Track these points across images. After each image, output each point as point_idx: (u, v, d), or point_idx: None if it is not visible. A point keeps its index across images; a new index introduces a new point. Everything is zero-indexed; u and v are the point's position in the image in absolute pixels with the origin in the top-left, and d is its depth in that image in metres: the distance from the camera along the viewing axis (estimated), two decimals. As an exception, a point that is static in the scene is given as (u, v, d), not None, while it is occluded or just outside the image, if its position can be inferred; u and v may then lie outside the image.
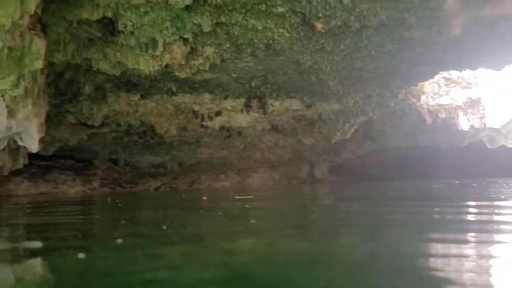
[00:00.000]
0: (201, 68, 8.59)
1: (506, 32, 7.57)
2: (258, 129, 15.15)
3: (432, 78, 11.35)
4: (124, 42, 7.02)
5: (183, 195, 10.57)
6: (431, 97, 13.54)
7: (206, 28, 6.75)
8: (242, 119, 13.91)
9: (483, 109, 13.67)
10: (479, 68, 10.21)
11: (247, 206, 5.50)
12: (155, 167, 16.89)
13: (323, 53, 8.50)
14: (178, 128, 13.04)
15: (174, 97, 11.13)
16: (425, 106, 13.47)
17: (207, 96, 11.47)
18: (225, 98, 11.85)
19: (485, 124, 13.88)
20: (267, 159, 18.17)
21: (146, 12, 6.25)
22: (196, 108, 12.26)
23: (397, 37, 7.97)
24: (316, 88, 11.20)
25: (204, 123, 13.38)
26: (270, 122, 14.70)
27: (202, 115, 12.81)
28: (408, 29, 7.45)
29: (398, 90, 11.62)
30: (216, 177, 18.34)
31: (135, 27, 6.51)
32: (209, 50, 7.86)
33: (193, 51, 7.86)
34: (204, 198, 7.87)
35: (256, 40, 7.79)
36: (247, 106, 12.78)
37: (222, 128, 14.26)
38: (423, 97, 13.24)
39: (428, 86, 13.07)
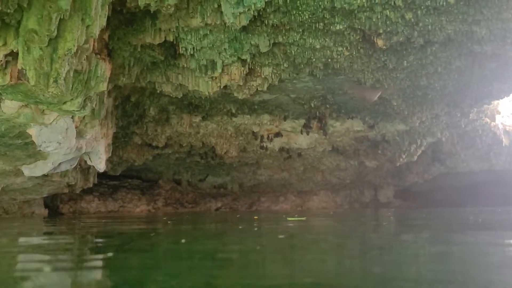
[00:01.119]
0: (259, 89, 8.63)
1: None
2: (318, 150, 14.90)
3: (507, 96, 10.50)
4: (185, 65, 7.25)
5: (237, 215, 10.60)
6: (508, 116, 12.52)
7: (264, 48, 6.79)
8: (302, 140, 13.76)
9: None
10: None
11: (291, 225, 5.34)
12: (216, 187, 17.16)
13: (385, 71, 8.20)
14: (238, 149, 13.17)
15: (234, 118, 11.29)
16: (500, 126, 12.48)
17: (266, 117, 11.51)
18: (284, 119, 11.81)
19: None
20: (328, 181, 17.75)
21: (205, 35, 6.42)
22: (255, 129, 12.34)
23: (466, 52, 7.49)
24: (379, 108, 10.82)
25: (264, 144, 13.41)
26: (331, 144, 14.40)
27: (262, 136, 12.86)
28: (479, 43, 6.97)
29: (469, 109, 10.89)
30: (276, 199, 18.22)
31: (195, 49, 6.71)
32: (267, 71, 7.88)
33: (251, 72, 7.94)
34: (255, 217, 7.79)
35: (314, 59, 7.69)
36: (307, 127, 12.64)
37: (281, 149, 14.20)
38: (498, 117, 12.28)
39: (505, 105, 12.12)
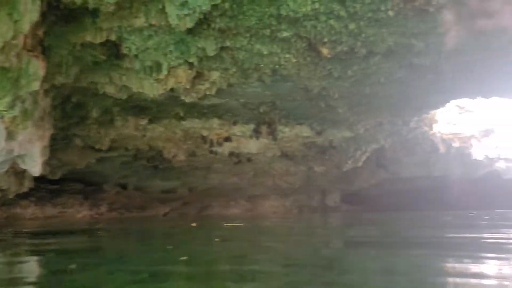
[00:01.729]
0: (207, 92, 8.55)
1: (520, 59, 7.36)
2: (268, 155, 14.98)
3: (443, 106, 11.09)
4: (129, 66, 7.03)
5: (172, 222, 10.21)
6: (445, 126, 13.24)
7: (211, 52, 6.72)
8: (252, 145, 13.78)
9: (498, 139, 13.28)
10: (493, 97, 9.94)
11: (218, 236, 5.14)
12: (165, 192, 16.78)
13: (331, 79, 8.38)
14: (187, 153, 12.97)
15: (183, 122, 11.10)
16: (438, 134, 13.16)
17: (215, 121, 11.41)
18: (234, 123, 11.77)
19: (499, 154, 13.45)
20: (278, 186, 17.89)
21: (150, 36, 6.26)
22: (205, 133, 12.20)
23: (407, 64, 7.81)
24: (326, 115, 11.05)
25: (213, 149, 13.29)
26: (280, 149, 14.53)
27: (211, 140, 12.74)
28: (417, 55, 7.30)
29: (410, 118, 11.41)
30: (227, 204, 18.10)
31: (139, 50, 6.52)
32: (215, 75, 7.82)
33: (199, 76, 7.83)
34: (194, 224, 7.63)
35: (262, 65, 7.73)
36: (257, 132, 12.67)
37: (231, 154, 14.14)
38: (436, 126, 12.95)
39: (441, 114, 12.80)
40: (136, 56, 6.69)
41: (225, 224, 6.59)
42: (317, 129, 12.34)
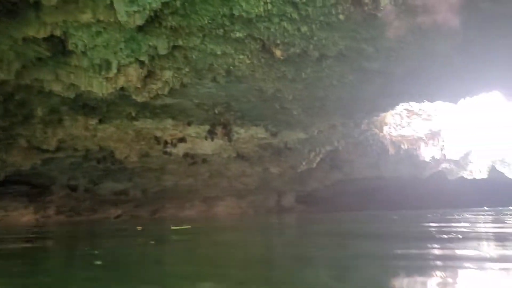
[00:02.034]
0: (160, 92, 8.38)
1: (461, 66, 7.76)
2: (223, 156, 14.93)
3: (393, 109, 11.52)
4: (76, 63, 6.75)
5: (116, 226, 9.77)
6: (394, 128, 13.74)
7: (162, 50, 6.58)
8: (207, 146, 13.67)
9: (443, 141, 13.95)
10: (437, 101, 10.42)
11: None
12: (117, 194, 16.29)
13: (285, 81, 8.46)
14: (139, 154, 12.66)
15: (135, 122, 10.82)
16: (388, 137, 13.63)
17: (169, 122, 11.22)
18: (189, 124, 11.62)
19: (445, 155, 14.14)
20: (234, 187, 17.86)
21: (99, 32, 6.04)
22: (158, 134, 11.96)
23: (357, 68, 8.02)
24: (281, 117, 11.15)
25: (167, 150, 13.06)
26: (236, 150, 14.51)
27: (165, 141, 12.50)
28: (367, 59, 7.52)
29: (361, 120, 11.74)
30: (181, 206, 17.82)
31: (87, 47, 6.28)
32: (167, 74, 7.68)
33: (150, 75, 7.66)
34: (139, 228, 7.39)
35: (216, 66, 7.67)
36: (212, 133, 12.57)
37: (186, 155, 13.96)
38: (385, 128, 13.41)
39: (391, 117, 13.27)
40: (84, 53, 6.44)
41: (172, 227, 6.43)
42: (272, 130, 12.43)
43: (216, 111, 10.65)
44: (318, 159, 14.40)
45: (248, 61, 7.58)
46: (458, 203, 17.81)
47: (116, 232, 6.98)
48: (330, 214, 15.81)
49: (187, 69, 7.63)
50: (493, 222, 7.27)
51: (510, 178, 15.93)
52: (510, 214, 9.59)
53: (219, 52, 7.05)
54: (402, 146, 14.46)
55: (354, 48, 7.02)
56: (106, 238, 6.01)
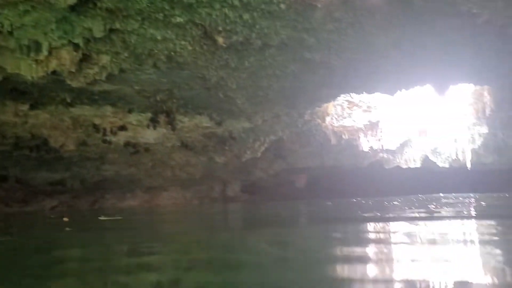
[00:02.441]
0: (97, 77, 8.00)
1: (397, 60, 8.09)
2: (167, 145, 14.62)
3: (334, 100, 11.83)
4: (2, 44, 6.26)
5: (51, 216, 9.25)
6: (335, 118, 14.13)
7: (98, 33, 6.26)
8: (149, 135, 13.31)
9: (381, 132, 14.57)
10: (376, 93, 10.83)
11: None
12: (52, 184, 15.46)
13: (228, 69, 8.38)
14: (77, 143, 12.07)
15: (71, 109, 10.28)
16: (330, 127, 14.00)
17: (108, 109, 10.77)
18: (129, 111, 11.22)
19: (382, 145, 14.78)
20: (178, 177, 17.58)
21: (27, 11, 5.62)
22: (97, 121, 11.45)
23: (300, 58, 8.11)
24: (225, 105, 11.07)
25: (107, 138, 12.55)
26: (180, 139, 14.26)
27: (104, 129, 12.00)
28: (309, 50, 7.61)
29: (304, 110, 11.93)
30: (122, 196, 17.29)
31: (14, 27, 5.82)
32: (104, 59, 7.33)
33: (86, 59, 7.28)
34: (65, 219, 7.03)
35: (156, 51, 7.43)
36: (154, 122, 12.25)
37: (127, 143, 13.51)
38: (328, 119, 13.76)
39: (332, 108, 13.63)
40: (10, 33, 5.97)
41: (100, 218, 6.17)
42: (216, 119, 12.33)
43: (158, 99, 10.36)
44: (262, 148, 14.50)
45: (190, 48, 7.41)
46: (394, 191, 18.79)
47: (35, 222, 6.57)
48: (274, 203, 16.07)
49: (125, 54, 7.32)
50: (418, 207, 7.73)
51: (441, 167, 16.98)
52: (436, 200, 10.24)
53: (159, 37, 6.83)
54: (343, 137, 14.93)
55: (296, 38, 7.08)
56: (19, 227, 5.66)
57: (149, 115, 11.71)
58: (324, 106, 12.69)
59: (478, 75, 9.70)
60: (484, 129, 14.30)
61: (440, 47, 7.39)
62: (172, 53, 7.57)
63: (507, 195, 12.38)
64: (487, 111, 12.71)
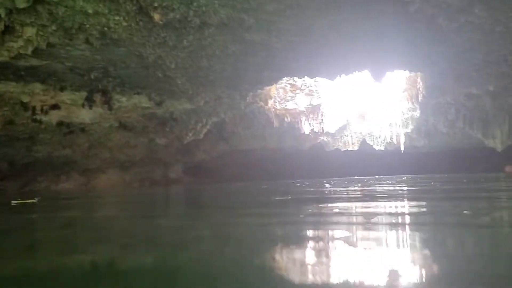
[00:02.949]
0: (22, 52, 7.42)
1: (335, 44, 8.22)
2: (104, 126, 14.02)
3: (276, 83, 11.87)
4: None
5: None
6: (278, 101, 14.23)
7: (21, 3, 5.77)
8: (85, 115, 12.67)
9: (322, 115, 14.90)
10: (316, 77, 11.00)
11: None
12: (-23, 166, 14.38)
13: (166, 47, 8.09)
14: (3, 122, 11.23)
15: (-5, 85, 9.50)
16: (272, 110, 14.09)
17: (38, 86, 10.08)
18: (61, 89, 10.57)
19: (323, 128, 15.15)
20: (116, 159, 16.99)
21: None
22: (25, 99, 10.69)
23: (240, 39, 8.01)
24: (164, 85, 10.75)
25: (37, 117, 11.79)
26: (118, 119, 13.73)
27: (34, 108, 11.25)
28: (248, 30, 7.52)
29: (247, 92, 11.88)
30: (57, 178, 16.47)
31: None
32: (30, 31, 6.79)
33: (9, 31, 6.71)
34: None
35: (88, 26, 7.00)
36: (90, 101, 11.65)
37: (60, 123, 12.78)
38: (270, 101, 13.83)
39: (275, 91, 13.70)
40: None
41: (13, 202, 5.77)
42: (156, 99, 11.96)
43: (93, 77, 9.84)
44: (204, 130, 14.33)
45: (125, 23, 7.05)
46: (334, 173, 19.46)
47: None
48: (218, 184, 16.05)
49: (53, 27, 6.82)
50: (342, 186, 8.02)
51: (377, 150, 17.77)
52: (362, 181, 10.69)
53: (90, 11, 6.42)
54: (286, 119, 15.11)
55: (235, 18, 6.96)
56: None
57: (84, 94, 11.12)
58: (267, 89, 12.73)
59: (411, 62, 10.13)
60: (417, 114, 15.07)
61: (376, 33, 7.59)
62: (106, 28, 7.17)
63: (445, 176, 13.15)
64: (420, 97, 13.38)
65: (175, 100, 12.10)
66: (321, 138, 16.77)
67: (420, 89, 13.14)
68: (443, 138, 16.13)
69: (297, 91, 14.76)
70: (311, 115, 15.27)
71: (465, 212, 3.09)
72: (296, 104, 14.67)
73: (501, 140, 13.63)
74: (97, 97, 11.47)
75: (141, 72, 9.69)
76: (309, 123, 15.31)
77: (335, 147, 16.98)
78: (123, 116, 13.47)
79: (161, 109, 12.97)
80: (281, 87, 13.93)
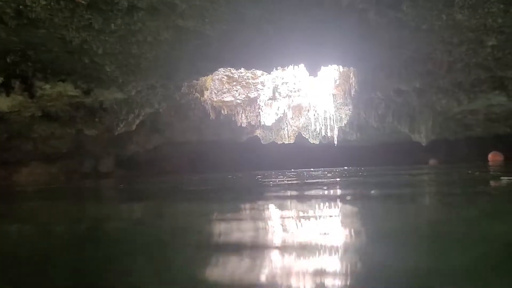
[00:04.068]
0: None
1: (271, 35, 8.14)
2: (25, 115, 12.95)
3: (212, 73, 11.62)
4: None
5: None
6: (215, 93, 13.99)
7: None
8: (2, 103, 11.59)
9: (259, 108, 14.89)
10: (253, 69, 10.89)
11: None
12: None
13: (92, 31, 7.54)
14: None
15: None
16: (209, 101, 13.82)
17: None
18: (-28, 74, 9.54)
19: (260, 121, 15.14)
20: (41, 151, 15.83)
21: None
22: None
23: (173, 26, 7.67)
24: (92, 72, 10.08)
25: None
26: (41, 108, 12.73)
27: None
28: (181, 17, 7.22)
29: (181, 82, 11.52)
30: (-30, 173, 15.01)
31: None
32: None
33: None
34: None
35: (1, 3, 6.30)
36: (7, 87, 10.64)
37: (-27, 111, 11.60)
38: (207, 93, 13.55)
39: (211, 82, 13.44)
40: None
41: None
42: (83, 87, 11.20)
43: (9, 61, 8.97)
44: (137, 121, 13.73)
45: (43, 2, 6.45)
46: (270, 166, 19.60)
47: None
48: (152, 178, 15.48)
49: (-43, 2, 6.06)
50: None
51: (311, 143, 18.13)
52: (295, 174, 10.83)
53: (1, -15, 5.76)
54: (223, 112, 14.90)
55: (166, 2, 6.63)
56: None
57: (1, 79, 10.12)
58: (203, 79, 12.42)
59: (345, 57, 10.35)
60: (350, 109, 15.54)
61: (309, 26, 7.61)
62: (21, 7, 6.52)
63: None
64: (352, 92, 13.78)
65: (104, 89, 11.41)
66: (258, 131, 16.78)
67: (353, 84, 13.53)
68: (374, 132, 16.80)
69: (234, 83, 14.59)
70: (248, 108, 15.19)
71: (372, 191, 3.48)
72: (233, 97, 14.51)
73: (426, 135, 14.45)
74: (16, 84, 10.50)
75: (65, 57, 8.99)
76: (246, 116, 15.23)
77: (271, 140, 17.07)
78: (47, 105, 12.52)
79: (90, 98, 12.20)
80: (217, 79, 13.69)
